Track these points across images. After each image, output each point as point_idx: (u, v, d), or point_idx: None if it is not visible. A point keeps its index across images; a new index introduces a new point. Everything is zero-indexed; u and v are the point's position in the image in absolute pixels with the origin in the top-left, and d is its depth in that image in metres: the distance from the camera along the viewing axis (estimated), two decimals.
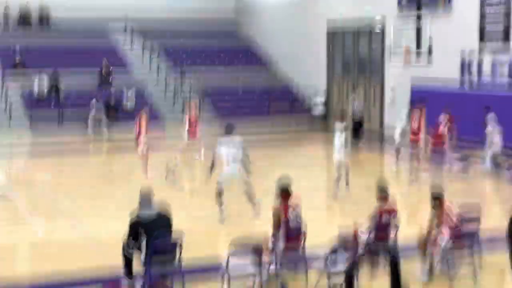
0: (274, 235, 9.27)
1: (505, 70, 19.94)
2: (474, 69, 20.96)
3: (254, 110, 29.37)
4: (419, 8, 17.50)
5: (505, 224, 9.06)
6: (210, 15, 35.48)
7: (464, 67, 21.29)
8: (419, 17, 16.98)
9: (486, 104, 20.28)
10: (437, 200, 9.39)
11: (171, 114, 28.13)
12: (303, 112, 29.48)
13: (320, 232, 11.84)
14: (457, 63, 21.44)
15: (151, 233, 8.67)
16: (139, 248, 8.74)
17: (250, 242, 8.70)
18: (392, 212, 9.75)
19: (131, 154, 21.74)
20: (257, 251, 8.75)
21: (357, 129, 21.94)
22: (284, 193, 9.43)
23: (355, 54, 26.89)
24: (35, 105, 26.68)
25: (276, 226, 9.29)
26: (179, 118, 27.75)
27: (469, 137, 21.07)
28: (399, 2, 23.50)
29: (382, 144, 24.25)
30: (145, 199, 8.92)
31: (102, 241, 11.64)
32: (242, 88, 30.73)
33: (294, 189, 9.59)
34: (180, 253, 8.80)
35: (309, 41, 29.41)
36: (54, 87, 27.63)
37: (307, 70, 29.81)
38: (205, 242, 11.42)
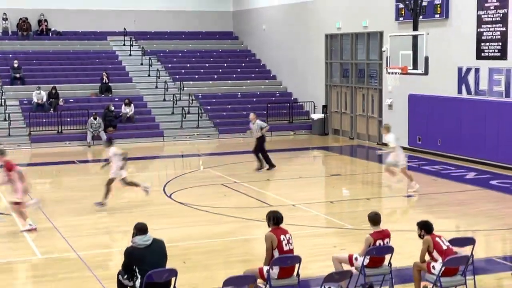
0: (268, 261, 9.31)
1: (502, 80, 19.96)
2: (471, 80, 20.98)
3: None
4: (415, 26, 17.52)
5: None
6: (209, 25, 35.54)
7: (461, 78, 21.32)
8: (415, 37, 16.97)
9: (482, 111, 20.42)
10: (424, 228, 9.45)
11: (169, 123, 28.14)
12: (302, 119, 29.53)
13: (315, 252, 11.95)
14: (455, 79, 21.46)
15: (146, 260, 8.73)
16: (134, 276, 8.79)
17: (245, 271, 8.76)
18: (386, 236, 9.79)
19: (130, 163, 21.85)
20: (251, 279, 8.82)
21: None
22: (275, 220, 9.47)
23: (353, 62, 26.91)
24: (34, 113, 26.65)
25: (270, 251, 9.34)
26: (177, 126, 27.94)
27: (468, 143, 21.22)
28: (397, 18, 23.63)
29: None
30: (140, 227, 8.95)
31: (98, 256, 11.70)
32: (240, 96, 30.76)
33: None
34: (175, 281, 8.85)
35: (308, 48, 29.41)
36: (53, 96, 27.61)
37: (305, 77, 29.83)
38: (200, 268, 11.39)
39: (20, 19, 32.65)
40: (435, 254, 9.28)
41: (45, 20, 33.15)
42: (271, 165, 20.21)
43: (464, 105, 21.20)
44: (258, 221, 13.79)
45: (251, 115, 20.76)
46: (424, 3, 20.86)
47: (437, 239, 9.37)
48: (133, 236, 8.94)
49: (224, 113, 29.32)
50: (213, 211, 15.23)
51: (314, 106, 29.31)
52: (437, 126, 22.38)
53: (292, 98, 30.65)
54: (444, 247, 9.29)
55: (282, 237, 9.37)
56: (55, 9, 33.20)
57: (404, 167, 17.26)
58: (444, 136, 22.13)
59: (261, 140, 20.21)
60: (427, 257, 9.47)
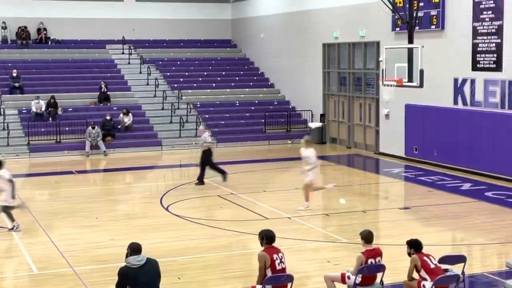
0: (260, 280, 9.40)
1: (497, 91, 20.08)
2: (467, 91, 21.10)
3: (250, 125, 29.54)
4: (410, 39, 17.65)
5: None
6: (208, 33, 35.70)
7: (457, 89, 21.45)
8: (410, 49, 17.10)
9: (478, 121, 20.56)
10: (413, 247, 9.57)
11: (168, 132, 28.26)
12: (300, 128, 29.63)
13: (309, 267, 12.03)
14: (451, 90, 21.58)
15: (140, 280, 8.82)
16: None
17: None
18: (377, 255, 9.89)
19: (128, 173, 21.97)
20: None
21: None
22: (268, 239, 9.57)
23: (351, 71, 27.04)
24: (33, 122, 26.77)
25: (262, 270, 9.43)
26: (176, 135, 28.07)
27: (463, 152, 21.34)
28: (393, 28, 23.78)
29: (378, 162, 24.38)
30: (134, 247, 9.05)
31: (94, 272, 11.81)
32: (238, 104, 30.88)
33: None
34: None
35: (305, 57, 29.55)
36: (52, 105, 27.74)
37: (303, 86, 29.96)
38: (196, 284, 11.46)
39: (19, 27, 32.80)
40: (422, 273, 9.39)
41: (44, 29, 33.29)
42: (223, 173, 20.00)
43: (460, 116, 21.32)
44: (254, 234, 13.85)
45: (201, 127, 20.45)
46: (420, 14, 21.00)
47: (425, 258, 9.48)
48: (127, 256, 9.04)
49: (222, 122, 29.43)
50: (210, 224, 15.34)
51: (312, 114, 29.43)
52: (434, 137, 22.49)
53: (290, 107, 30.77)
54: (432, 266, 9.40)
55: (275, 256, 9.47)
56: (54, 18, 33.33)
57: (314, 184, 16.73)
58: (441, 146, 22.24)
59: (207, 153, 19.89)
60: (416, 276, 9.58)
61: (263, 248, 9.54)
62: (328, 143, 28.49)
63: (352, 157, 25.71)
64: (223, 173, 20.12)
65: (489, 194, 18.12)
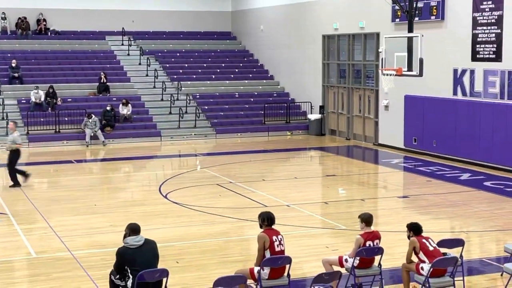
0: (259, 261, 9.41)
1: (497, 82, 20.06)
2: (467, 81, 21.09)
3: (249, 117, 29.53)
4: (410, 28, 17.60)
5: None
6: (207, 25, 35.66)
7: (457, 80, 21.44)
8: (410, 39, 17.05)
9: (477, 112, 20.55)
10: (412, 230, 9.59)
11: (167, 123, 28.25)
12: (299, 119, 29.64)
13: (308, 252, 12.05)
14: (450, 80, 21.57)
15: (138, 261, 8.82)
16: (126, 276, 8.89)
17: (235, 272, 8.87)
18: (375, 237, 9.89)
19: (127, 163, 21.99)
20: (242, 279, 8.92)
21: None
22: (268, 221, 9.58)
23: (350, 63, 27.02)
24: (32, 112, 26.76)
25: (261, 251, 9.44)
26: (175, 126, 28.06)
27: (462, 143, 21.36)
28: (393, 19, 23.77)
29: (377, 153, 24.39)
30: (133, 228, 9.05)
31: (92, 256, 11.83)
32: (238, 96, 30.87)
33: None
34: (166, 281, 8.95)
35: (305, 49, 29.53)
36: (50, 95, 27.73)
37: (303, 77, 29.95)
38: (194, 268, 11.48)
39: (19, 18, 32.74)
40: (421, 255, 9.41)
41: (44, 20, 33.24)
42: (16, 183, 18.10)
43: (460, 107, 21.32)
44: (253, 221, 13.90)
45: (11, 124, 18.92)
46: (420, 5, 20.97)
47: (424, 240, 9.49)
48: (125, 237, 9.04)
49: (222, 113, 29.42)
50: (208, 211, 15.34)
51: (311, 106, 29.43)
52: (433, 127, 22.49)
53: (290, 99, 30.75)
54: (431, 248, 9.41)
55: (274, 238, 9.48)
56: (54, 9, 33.30)
57: None
58: (440, 137, 22.24)
59: (15, 154, 18.19)
60: (415, 259, 9.59)
61: (262, 229, 9.54)
62: (327, 135, 28.49)
63: (351, 148, 25.71)
64: (16, 183, 18.14)
65: (488, 183, 18.13)
